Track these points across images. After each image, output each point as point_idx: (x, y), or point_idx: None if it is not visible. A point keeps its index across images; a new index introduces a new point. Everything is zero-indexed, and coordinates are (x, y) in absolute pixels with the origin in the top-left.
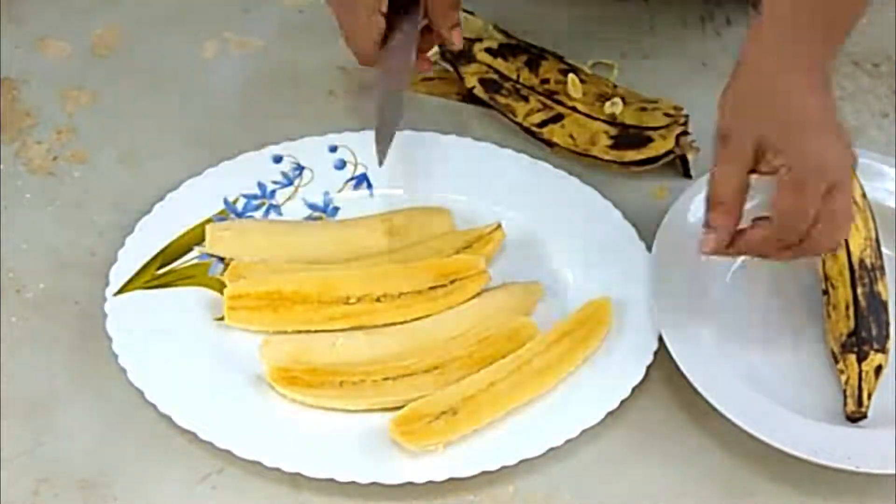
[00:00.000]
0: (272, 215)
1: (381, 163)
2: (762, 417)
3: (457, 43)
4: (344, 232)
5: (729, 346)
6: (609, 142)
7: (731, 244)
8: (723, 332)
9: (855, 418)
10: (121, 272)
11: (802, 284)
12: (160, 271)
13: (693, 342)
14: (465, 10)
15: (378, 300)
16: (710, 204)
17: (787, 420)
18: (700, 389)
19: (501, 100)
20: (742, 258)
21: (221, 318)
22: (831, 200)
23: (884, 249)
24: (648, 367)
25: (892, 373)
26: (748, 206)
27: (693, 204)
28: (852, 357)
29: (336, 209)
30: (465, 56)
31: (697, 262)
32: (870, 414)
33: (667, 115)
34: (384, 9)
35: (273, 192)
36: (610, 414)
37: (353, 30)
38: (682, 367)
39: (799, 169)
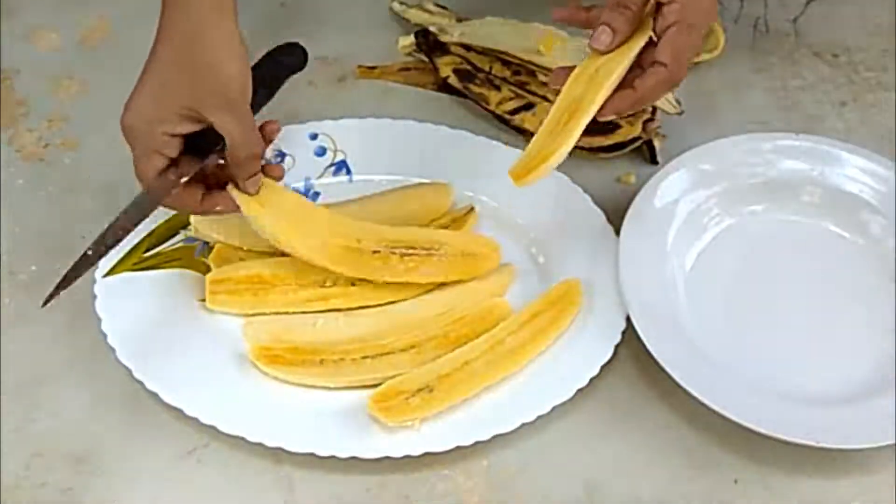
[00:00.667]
0: None
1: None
2: (725, 394)
3: (251, 191)
4: (324, 212)
5: (693, 325)
6: None
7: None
8: (687, 311)
9: None
10: (109, 255)
11: (763, 266)
12: (147, 254)
13: (659, 322)
14: (438, 5)
15: (353, 283)
16: (614, 4)
17: (750, 396)
18: (666, 367)
19: (475, 89)
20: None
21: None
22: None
23: (843, 233)
24: (617, 346)
25: (852, 354)
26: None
27: (659, 189)
28: None
29: (317, 194)
30: (441, 48)
31: (663, 245)
32: (832, 392)
33: None
34: (173, 155)
35: None
36: (580, 391)
37: (140, 160)
38: (648, 346)
39: (692, 11)
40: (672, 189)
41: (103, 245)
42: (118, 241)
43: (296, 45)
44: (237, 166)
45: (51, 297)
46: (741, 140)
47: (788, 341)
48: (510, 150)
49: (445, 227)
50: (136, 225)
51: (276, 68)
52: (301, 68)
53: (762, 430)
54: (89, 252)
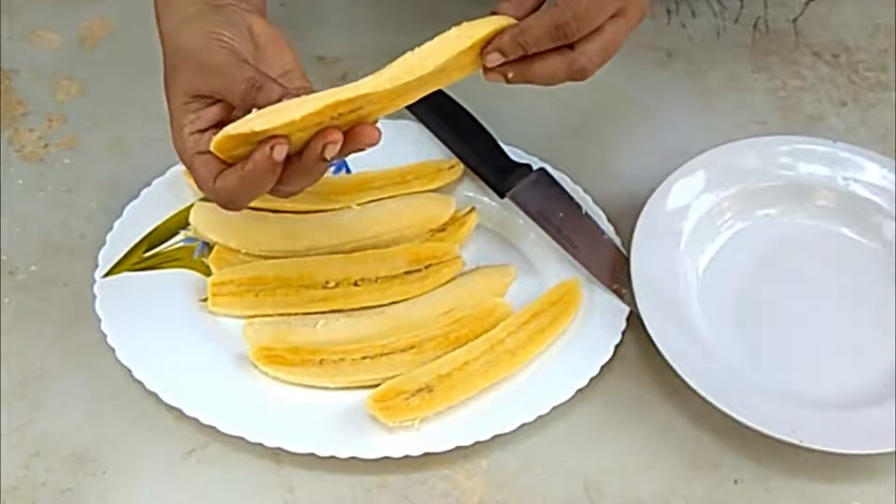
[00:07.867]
0: None
1: None
2: (728, 394)
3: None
4: (322, 217)
5: (704, 328)
6: None
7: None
8: (699, 314)
9: None
10: (109, 255)
11: (776, 269)
12: (147, 254)
13: (671, 325)
14: None
15: (356, 284)
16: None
17: (756, 399)
18: (677, 369)
19: None
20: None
21: (206, 300)
22: (615, 23)
23: (858, 237)
24: (617, 347)
25: (858, 358)
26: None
27: (671, 192)
28: None
29: None
30: None
31: (676, 248)
32: (843, 396)
33: None
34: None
35: None
36: (580, 391)
37: (192, 172)
38: (660, 347)
39: None
40: (685, 192)
41: None
42: None
43: None
44: (244, 102)
45: None
46: (754, 143)
47: (800, 345)
48: (510, 149)
49: (445, 228)
50: None
51: None
52: None
53: (764, 430)
54: None
